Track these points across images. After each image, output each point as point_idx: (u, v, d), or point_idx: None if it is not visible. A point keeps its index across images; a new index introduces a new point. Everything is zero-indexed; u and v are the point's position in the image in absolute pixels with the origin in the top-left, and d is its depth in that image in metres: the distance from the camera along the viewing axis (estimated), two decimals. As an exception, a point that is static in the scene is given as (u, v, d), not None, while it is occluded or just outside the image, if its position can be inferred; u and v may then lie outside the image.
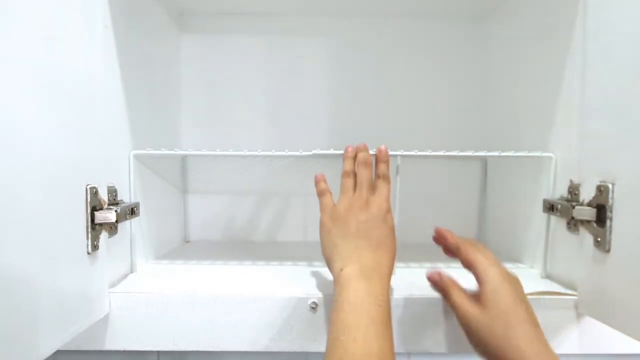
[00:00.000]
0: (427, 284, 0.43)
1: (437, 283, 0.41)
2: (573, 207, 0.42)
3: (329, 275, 0.53)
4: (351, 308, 0.36)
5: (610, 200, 0.38)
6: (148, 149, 0.53)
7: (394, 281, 0.47)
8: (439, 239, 0.43)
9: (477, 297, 0.38)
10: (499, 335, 0.35)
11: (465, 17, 0.72)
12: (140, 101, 0.54)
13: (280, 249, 0.68)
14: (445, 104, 0.73)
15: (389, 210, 0.44)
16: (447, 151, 0.52)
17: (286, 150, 0.53)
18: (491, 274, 0.38)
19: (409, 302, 0.45)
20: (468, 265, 0.40)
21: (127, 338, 0.44)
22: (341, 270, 0.40)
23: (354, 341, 0.33)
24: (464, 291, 0.40)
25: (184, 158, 0.73)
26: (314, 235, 0.75)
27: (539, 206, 0.51)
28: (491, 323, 0.36)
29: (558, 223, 0.49)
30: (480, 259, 0.39)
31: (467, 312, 0.37)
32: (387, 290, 0.39)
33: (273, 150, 0.53)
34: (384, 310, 0.36)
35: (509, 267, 0.56)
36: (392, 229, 0.43)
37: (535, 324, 0.36)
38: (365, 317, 0.35)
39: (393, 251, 0.42)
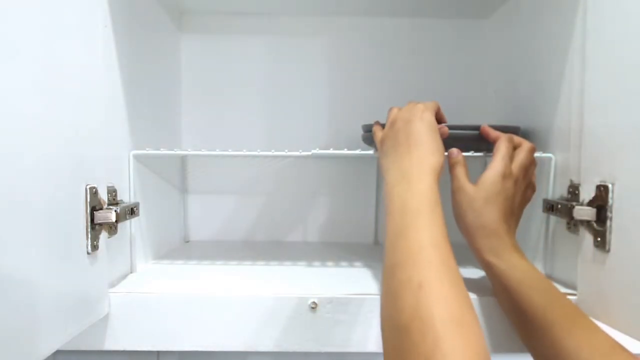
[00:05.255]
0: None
1: (452, 156, 0.46)
2: (573, 207, 0.42)
3: (328, 275, 0.53)
4: (395, 209, 0.38)
5: (610, 200, 0.38)
6: (148, 149, 0.53)
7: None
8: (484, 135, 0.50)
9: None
10: (475, 209, 0.43)
11: (465, 15, 0.72)
12: (140, 101, 0.54)
13: (280, 249, 0.68)
14: (445, 103, 0.73)
15: (424, 110, 0.45)
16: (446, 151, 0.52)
17: (286, 150, 0.53)
18: (496, 164, 0.44)
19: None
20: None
21: (127, 338, 0.44)
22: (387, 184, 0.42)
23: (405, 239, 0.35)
24: (467, 171, 0.46)
25: (183, 158, 0.73)
26: (314, 235, 0.75)
27: (539, 206, 0.51)
28: (472, 199, 0.43)
29: (558, 223, 0.49)
30: (501, 150, 0.45)
31: (462, 184, 0.44)
32: (430, 183, 0.39)
33: (273, 150, 0.53)
34: (429, 202, 0.37)
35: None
36: (429, 126, 0.44)
37: (503, 224, 0.43)
38: (412, 214, 0.36)
39: (431, 146, 0.43)
